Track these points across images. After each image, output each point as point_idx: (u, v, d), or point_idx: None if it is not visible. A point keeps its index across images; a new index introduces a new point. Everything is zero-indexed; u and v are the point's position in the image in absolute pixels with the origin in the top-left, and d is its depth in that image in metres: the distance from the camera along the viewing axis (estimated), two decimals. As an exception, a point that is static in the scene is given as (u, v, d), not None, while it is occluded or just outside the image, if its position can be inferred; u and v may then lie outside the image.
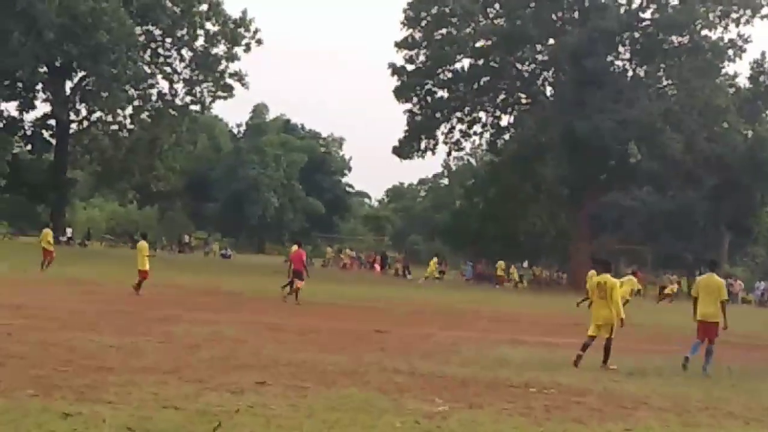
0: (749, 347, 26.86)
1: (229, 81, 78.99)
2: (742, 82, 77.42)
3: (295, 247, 33.93)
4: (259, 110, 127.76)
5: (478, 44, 69.59)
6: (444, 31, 69.54)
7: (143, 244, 30.49)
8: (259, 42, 78.27)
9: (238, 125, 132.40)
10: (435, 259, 65.20)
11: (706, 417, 12.25)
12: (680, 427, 11.33)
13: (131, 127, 79.91)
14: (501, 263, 67.11)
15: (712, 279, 18.80)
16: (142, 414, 9.69)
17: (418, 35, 70.02)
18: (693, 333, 18.91)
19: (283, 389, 12.00)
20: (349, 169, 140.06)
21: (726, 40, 66.06)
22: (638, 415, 12.00)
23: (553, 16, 69.28)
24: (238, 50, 78.20)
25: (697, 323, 18.65)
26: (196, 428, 9.18)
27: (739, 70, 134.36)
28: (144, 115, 79.60)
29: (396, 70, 70.61)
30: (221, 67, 78.51)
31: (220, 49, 78.39)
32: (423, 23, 69.58)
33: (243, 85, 79.00)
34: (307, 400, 11.29)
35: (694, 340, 18.73)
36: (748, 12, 65.43)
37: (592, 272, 43.10)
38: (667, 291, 61.79)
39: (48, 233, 38.87)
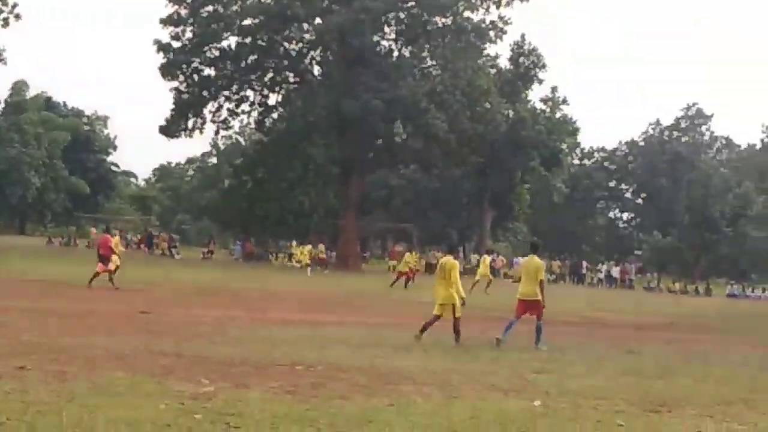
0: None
1: (-15, 57, 75.56)
2: (503, 63, 79.98)
3: (94, 231, 33.52)
4: (19, 87, 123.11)
5: (245, 22, 68.89)
6: (210, 8, 68.53)
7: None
8: (17, 17, 75.22)
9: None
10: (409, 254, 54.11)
11: (468, 390, 12.53)
12: (442, 400, 11.55)
13: None
14: (322, 247, 66.34)
15: (532, 261, 19.94)
16: None
17: (184, 12, 68.71)
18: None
19: (44, 375, 11.61)
20: (115, 148, 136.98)
21: (488, 22, 67.78)
22: (402, 389, 12.16)
23: (320, -5, 69.40)
24: (-5, 25, 74.83)
25: (517, 302, 19.75)
26: (-52, 418, 8.81)
27: (500, 51, 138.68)
28: None
29: (162, 47, 69.13)
30: (-23, 42, 75.15)
31: (-25, 23, 74.89)
32: (189, 0, 68.49)
33: (1, 61, 75.82)
34: (69, 384, 10.97)
35: (511, 319, 19.63)
36: (509, -6, 67.30)
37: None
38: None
39: None
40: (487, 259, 46.93)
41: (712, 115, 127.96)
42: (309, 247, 63.51)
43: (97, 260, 30.89)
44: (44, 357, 13.27)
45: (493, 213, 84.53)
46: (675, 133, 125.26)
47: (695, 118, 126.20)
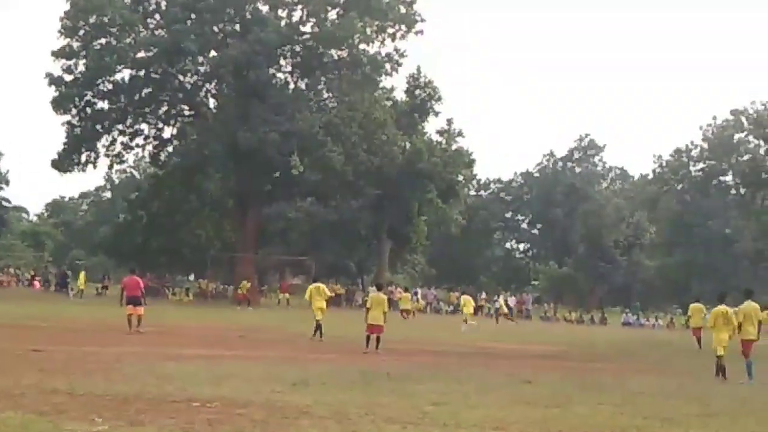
0: (408, 352, 27.73)
1: None
2: (399, 95, 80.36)
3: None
4: None
5: (138, 55, 68.15)
6: (103, 41, 67.65)
7: None
8: None
9: None
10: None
11: (367, 423, 12.44)
12: (340, 434, 11.46)
13: None
14: (245, 283, 64.93)
15: (751, 305, 22.96)
16: None
17: (76, 45, 67.72)
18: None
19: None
20: (7, 183, 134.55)
21: (383, 55, 68.23)
22: (300, 424, 12.04)
23: (215, 29, 69.02)
24: None
25: (742, 342, 22.70)
26: None
27: (396, 83, 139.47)
28: None
29: (53, 81, 67.99)
30: None
31: None
32: (81, 32, 67.42)
33: None
34: (-45, 427, 10.65)
35: (747, 362, 22.59)
36: (403, 27, 67.78)
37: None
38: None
39: None
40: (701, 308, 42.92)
41: (604, 146, 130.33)
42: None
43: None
44: (-72, 399, 12.86)
45: (391, 245, 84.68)
46: (569, 164, 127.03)
47: (588, 148, 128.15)
